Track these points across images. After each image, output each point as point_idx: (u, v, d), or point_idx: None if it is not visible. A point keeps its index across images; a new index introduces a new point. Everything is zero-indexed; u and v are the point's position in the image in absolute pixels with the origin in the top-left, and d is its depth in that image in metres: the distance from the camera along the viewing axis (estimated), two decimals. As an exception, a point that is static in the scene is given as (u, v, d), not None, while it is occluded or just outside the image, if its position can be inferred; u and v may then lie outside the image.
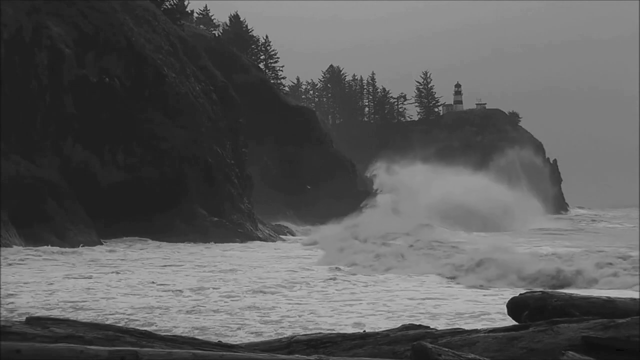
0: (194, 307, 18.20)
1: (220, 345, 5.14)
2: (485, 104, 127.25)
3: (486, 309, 17.21)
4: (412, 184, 61.79)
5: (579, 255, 26.55)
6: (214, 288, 22.05)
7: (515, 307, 6.62)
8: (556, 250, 30.48)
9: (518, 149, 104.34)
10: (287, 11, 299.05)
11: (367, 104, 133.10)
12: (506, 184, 71.13)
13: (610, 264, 23.16)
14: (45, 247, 37.08)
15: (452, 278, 24.42)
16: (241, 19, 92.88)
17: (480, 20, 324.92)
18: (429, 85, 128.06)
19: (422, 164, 72.03)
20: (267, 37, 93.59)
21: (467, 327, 6.46)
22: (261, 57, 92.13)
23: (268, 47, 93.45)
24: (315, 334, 6.11)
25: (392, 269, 27.72)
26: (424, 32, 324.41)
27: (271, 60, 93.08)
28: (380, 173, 77.20)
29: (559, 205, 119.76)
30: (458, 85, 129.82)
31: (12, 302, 18.51)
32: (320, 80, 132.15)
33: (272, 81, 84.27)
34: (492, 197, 58.77)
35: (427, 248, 33.17)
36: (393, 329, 6.20)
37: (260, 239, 49.25)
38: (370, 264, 29.82)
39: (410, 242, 35.58)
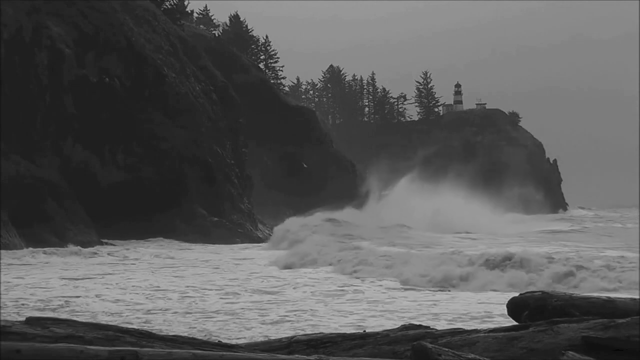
0: (193, 307, 18.20)
1: (220, 345, 5.14)
2: (485, 104, 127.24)
3: (488, 309, 17.21)
4: (400, 206, 61.20)
5: (578, 255, 26.54)
6: (213, 288, 22.04)
7: (515, 307, 6.62)
8: (555, 251, 30.46)
9: (518, 188, 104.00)
10: (287, 11, 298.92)
11: (367, 104, 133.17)
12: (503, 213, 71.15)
13: (610, 264, 23.13)
14: (45, 247, 37.08)
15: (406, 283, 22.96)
16: (241, 19, 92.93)
17: (480, 20, 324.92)
18: (429, 85, 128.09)
19: (414, 181, 71.60)
20: (267, 37, 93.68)
21: (467, 328, 6.46)
22: (261, 57, 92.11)
23: (268, 47, 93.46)
24: (316, 334, 6.12)
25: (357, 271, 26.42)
26: (424, 32, 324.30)
27: (271, 60, 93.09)
28: (371, 185, 77.05)
29: (559, 205, 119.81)
30: (458, 85, 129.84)
31: (10, 302, 18.50)
32: (320, 80, 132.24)
33: (272, 81, 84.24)
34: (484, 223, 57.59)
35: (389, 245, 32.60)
36: (393, 329, 6.20)
37: (260, 239, 49.22)
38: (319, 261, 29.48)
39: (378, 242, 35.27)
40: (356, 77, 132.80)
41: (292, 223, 46.55)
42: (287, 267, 29.42)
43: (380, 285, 22.75)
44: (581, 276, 21.57)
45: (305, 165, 70.81)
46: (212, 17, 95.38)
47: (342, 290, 21.71)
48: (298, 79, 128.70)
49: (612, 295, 7.35)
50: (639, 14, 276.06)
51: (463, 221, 53.30)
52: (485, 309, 17.28)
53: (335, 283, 23.59)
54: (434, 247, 34.31)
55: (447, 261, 25.04)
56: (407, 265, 25.42)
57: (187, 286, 22.46)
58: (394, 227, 47.87)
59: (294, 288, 22.24)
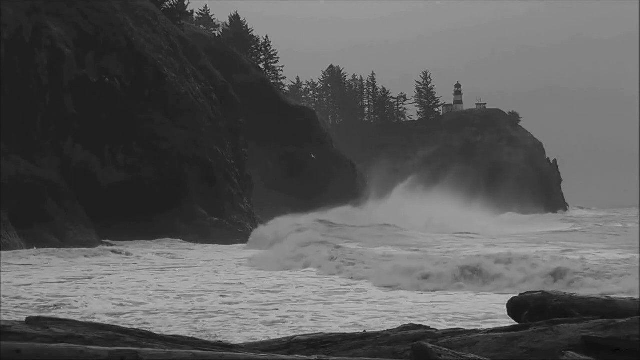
0: (193, 307, 18.19)
1: (220, 345, 5.14)
2: (485, 104, 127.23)
3: (488, 310, 17.20)
4: (397, 208, 60.88)
5: (578, 255, 26.52)
6: (213, 288, 22.04)
7: (515, 307, 6.63)
8: (554, 251, 30.45)
9: (518, 188, 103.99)
10: (287, 11, 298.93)
11: (367, 104, 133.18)
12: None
13: (610, 264, 23.11)
14: (45, 247, 37.06)
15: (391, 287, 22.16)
16: (241, 19, 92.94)
17: (480, 20, 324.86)
18: (429, 85, 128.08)
19: (413, 185, 71.41)
20: (267, 37, 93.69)
21: (467, 328, 6.46)
22: (261, 57, 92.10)
23: (268, 47, 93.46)
24: (316, 334, 6.12)
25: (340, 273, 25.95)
26: (424, 32, 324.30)
27: (271, 60, 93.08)
28: (371, 185, 77.03)
29: (559, 205, 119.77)
30: (458, 85, 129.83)
31: (10, 302, 18.50)
32: (320, 80, 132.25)
33: (272, 81, 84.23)
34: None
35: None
36: (393, 329, 6.20)
37: (260, 239, 49.13)
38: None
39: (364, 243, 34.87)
40: (356, 77, 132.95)
41: (278, 224, 46.45)
42: (263, 268, 28.77)
43: (379, 286, 22.67)
44: (580, 277, 21.52)
45: (313, 156, 71.00)
46: (212, 17, 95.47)
47: (343, 290, 21.71)
48: (298, 79, 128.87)
49: (612, 295, 7.34)
50: (639, 14, 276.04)
51: (461, 223, 53.16)
52: (485, 309, 17.27)
53: (336, 283, 23.58)
54: (428, 249, 34.23)
55: (440, 262, 24.70)
56: (393, 266, 25.04)
57: (188, 286, 22.47)
58: (387, 228, 47.73)
59: (294, 288, 22.25)
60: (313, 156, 71.50)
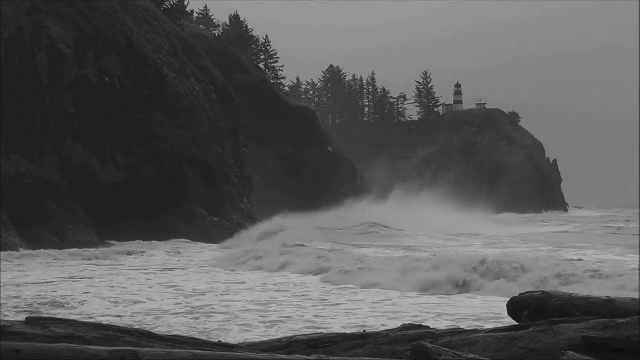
0: (193, 308, 18.19)
1: (220, 345, 5.13)
2: (485, 104, 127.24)
3: (489, 310, 17.20)
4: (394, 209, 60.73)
5: (579, 255, 26.53)
6: (214, 288, 22.05)
7: (515, 307, 6.62)
8: (554, 251, 30.45)
9: (518, 189, 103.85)
10: (288, 18, 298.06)
11: (367, 104, 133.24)
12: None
13: (609, 265, 23.10)
14: (45, 247, 37.05)
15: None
16: (241, 19, 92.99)
17: (483, 25, 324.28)
18: (429, 86, 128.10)
19: (410, 187, 71.44)
20: (267, 37, 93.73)
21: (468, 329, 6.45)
22: (261, 57, 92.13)
23: (268, 47, 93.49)
24: (315, 334, 6.11)
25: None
26: (423, 36, 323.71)
27: (271, 60, 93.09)
28: (371, 185, 77.03)
29: (559, 205, 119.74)
30: (458, 85, 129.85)
31: (10, 302, 18.50)
32: (320, 80, 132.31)
33: (272, 81, 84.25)
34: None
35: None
36: (393, 329, 6.20)
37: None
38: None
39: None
40: (356, 77, 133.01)
41: (267, 225, 46.40)
42: (230, 269, 28.62)
43: (370, 286, 22.56)
44: (580, 277, 21.51)
45: (330, 149, 71.50)
46: (212, 17, 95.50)
47: (343, 290, 21.70)
48: (298, 79, 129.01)
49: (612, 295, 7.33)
50: (639, 14, 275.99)
51: (460, 223, 53.16)
52: (485, 310, 17.28)
53: (336, 283, 23.56)
54: (425, 249, 34.17)
55: (438, 263, 24.42)
56: (384, 267, 24.75)
57: (188, 286, 22.47)
58: (384, 229, 47.61)
59: (294, 288, 22.25)
60: (330, 149, 71.93)
